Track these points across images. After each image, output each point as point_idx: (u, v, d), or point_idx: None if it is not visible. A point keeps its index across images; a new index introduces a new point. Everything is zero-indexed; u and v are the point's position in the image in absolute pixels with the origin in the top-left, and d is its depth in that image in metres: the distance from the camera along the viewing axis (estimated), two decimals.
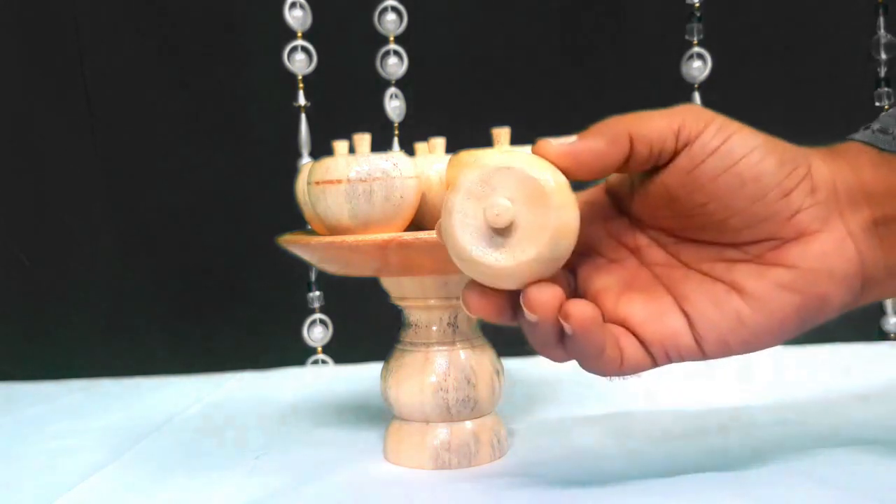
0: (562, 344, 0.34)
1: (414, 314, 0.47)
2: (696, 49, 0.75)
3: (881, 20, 0.74)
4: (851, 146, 0.37)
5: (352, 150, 0.45)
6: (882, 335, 0.74)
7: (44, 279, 0.75)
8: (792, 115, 0.75)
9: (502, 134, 0.42)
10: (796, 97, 0.75)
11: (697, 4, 0.74)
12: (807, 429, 0.49)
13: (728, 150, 0.34)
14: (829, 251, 0.35)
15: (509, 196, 0.33)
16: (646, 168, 0.35)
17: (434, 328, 0.46)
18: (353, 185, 0.42)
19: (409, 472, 0.45)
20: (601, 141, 0.34)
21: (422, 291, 0.46)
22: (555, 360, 0.35)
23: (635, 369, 0.36)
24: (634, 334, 0.36)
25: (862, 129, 0.38)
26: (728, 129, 0.34)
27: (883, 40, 0.74)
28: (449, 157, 0.45)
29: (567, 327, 0.33)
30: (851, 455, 0.44)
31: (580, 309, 0.33)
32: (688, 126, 0.34)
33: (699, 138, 0.34)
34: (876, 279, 0.36)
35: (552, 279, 0.34)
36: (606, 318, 0.35)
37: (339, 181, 0.42)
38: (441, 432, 0.46)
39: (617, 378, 0.36)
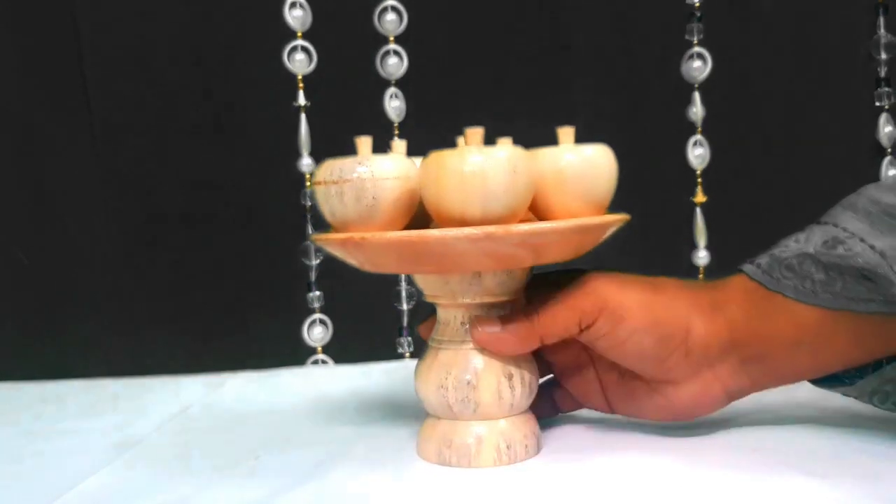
0: None
1: (438, 311, 0.48)
2: (696, 49, 0.75)
3: (881, 20, 0.74)
4: (739, 281, 0.46)
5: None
6: None
7: (44, 279, 0.75)
8: (792, 115, 0.75)
9: (475, 134, 0.43)
10: (796, 97, 0.75)
11: (697, 4, 0.74)
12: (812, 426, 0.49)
13: (615, 335, 0.44)
14: (696, 392, 0.45)
15: None
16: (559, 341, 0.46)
17: (449, 326, 0.47)
18: (328, 187, 0.44)
19: (407, 471, 0.45)
20: (514, 340, 0.45)
21: (431, 289, 0.47)
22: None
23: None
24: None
25: (750, 261, 0.46)
26: (615, 316, 0.44)
27: (883, 40, 0.74)
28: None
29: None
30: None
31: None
32: (586, 315, 0.44)
33: (594, 325, 0.44)
34: (743, 395, 0.47)
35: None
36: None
37: (318, 183, 0.45)
38: (443, 429, 0.46)
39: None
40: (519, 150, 0.43)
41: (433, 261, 0.43)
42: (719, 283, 0.46)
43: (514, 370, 0.46)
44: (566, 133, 0.45)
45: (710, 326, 0.45)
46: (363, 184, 0.43)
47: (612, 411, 0.49)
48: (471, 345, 0.46)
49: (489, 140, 0.44)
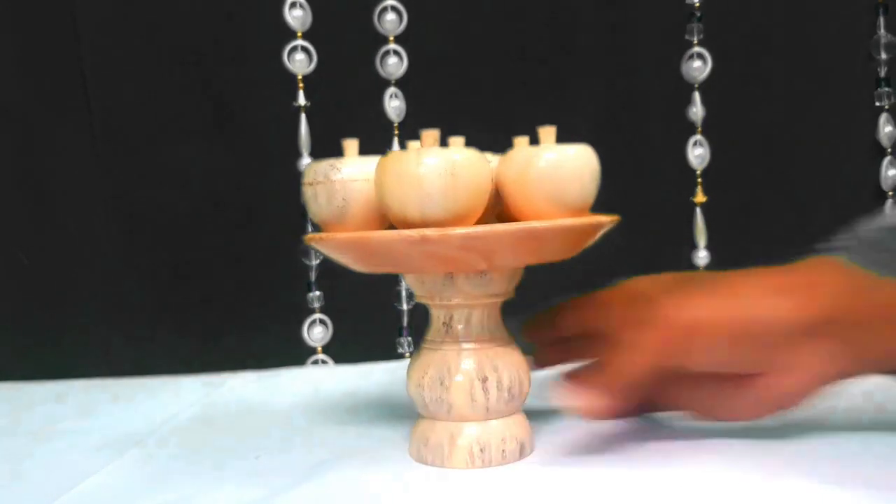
0: None
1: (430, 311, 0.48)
2: (696, 49, 0.75)
3: (881, 20, 0.74)
4: (821, 261, 0.44)
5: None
6: None
7: (44, 279, 0.75)
8: (791, 115, 0.75)
9: (429, 137, 0.42)
10: (796, 97, 0.75)
11: (697, 4, 0.74)
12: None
13: (694, 359, 0.44)
14: (791, 378, 0.43)
15: None
16: None
17: (433, 326, 0.47)
18: (307, 189, 0.46)
19: (407, 472, 0.45)
20: (603, 407, 0.44)
21: (414, 289, 0.47)
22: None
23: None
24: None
25: (830, 240, 0.45)
26: (690, 341, 0.43)
27: (883, 40, 0.74)
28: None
29: None
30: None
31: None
32: (666, 355, 0.43)
33: (674, 359, 0.43)
34: (842, 378, 0.44)
35: None
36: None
37: (303, 184, 0.46)
38: (423, 427, 0.47)
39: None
40: (467, 153, 0.42)
41: (387, 261, 0.43)
42: (800, 266, 0.45)
43: (489, 373, 0.45)
44: (547, 133, 0.44)
45: (796, 310, 0.43)
46: (333, 186, 0.45)
47: (705, 418, 0.47)
48: (450, 345, 0.46)
49: (484, 142, 0.43)
